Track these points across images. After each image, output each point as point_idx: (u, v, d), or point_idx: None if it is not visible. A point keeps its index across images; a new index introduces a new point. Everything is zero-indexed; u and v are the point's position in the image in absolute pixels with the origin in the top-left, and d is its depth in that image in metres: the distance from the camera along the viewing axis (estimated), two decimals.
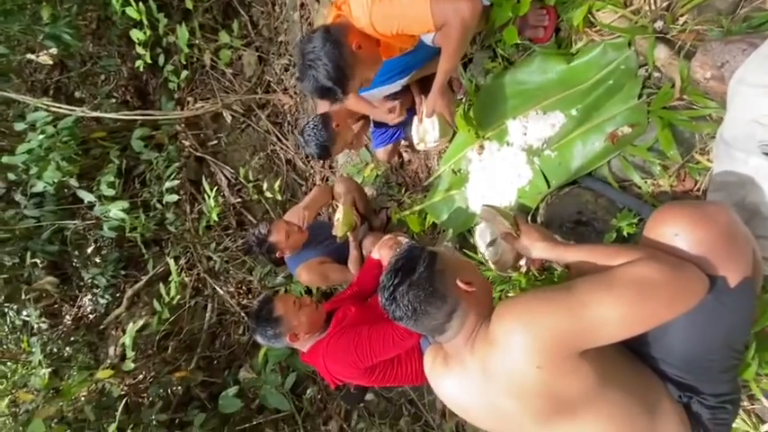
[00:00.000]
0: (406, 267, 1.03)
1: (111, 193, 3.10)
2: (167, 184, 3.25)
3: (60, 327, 3.61)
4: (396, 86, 1.96)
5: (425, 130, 1.81)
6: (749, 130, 1.04)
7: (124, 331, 2.83)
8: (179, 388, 2.89)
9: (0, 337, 3.27)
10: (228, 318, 3.31)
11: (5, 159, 2.91)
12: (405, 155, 2.58)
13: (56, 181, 2.99)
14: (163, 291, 2.85)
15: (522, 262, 1.54)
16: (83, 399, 2.68)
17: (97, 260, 3.60)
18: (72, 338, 3.49)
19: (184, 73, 3.44)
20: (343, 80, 1.43)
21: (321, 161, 3.12)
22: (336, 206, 2.24)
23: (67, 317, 3.71)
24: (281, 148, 3.43)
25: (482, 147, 1.89)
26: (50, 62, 3.57)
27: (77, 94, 3.88)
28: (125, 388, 2.79)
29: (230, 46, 3.37)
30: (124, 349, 2.66)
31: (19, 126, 2.96)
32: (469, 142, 1.92)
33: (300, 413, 2.63)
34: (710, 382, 0.98)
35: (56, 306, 3.71)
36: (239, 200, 3.53)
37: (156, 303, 2.87)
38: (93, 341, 3.53)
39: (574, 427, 0.95)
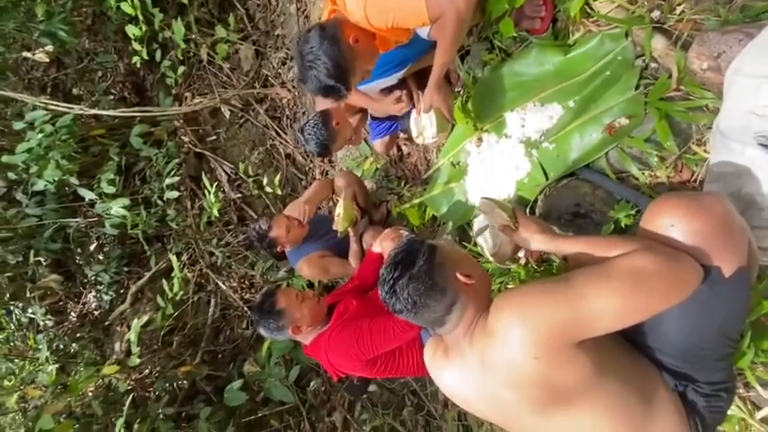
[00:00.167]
0: (406, 261, 1.04)
1: (111, 190, 3.11)
2: (167, 181, 3.26)
3: (66, 324, 3.65)
4: (392, 79, 1.95)
5: (423, 126, 1.81)
6: (745, 121, 1.05)
7: (129, 327, 2.87)
8: (185, 382, 2.93)
9: (7, 335, 3.30)
10: (232, 312, 3.34)
11: (5, 159, 2.92)
12: (404, 148, 2.58)
13: (56, 179, 3.00)
14: (166, 287, 2.88)
15: (521, 254, 1.56)
16: (90, 394, 2.72)
17: (100, 257, 3.62)
18: (78, 335, 3.54)
19: (181, 68, 3.43)
20: (345, 76, 1.43)
21: (321, 157, 3.12)
22: (337, 200, 2.25)
23: (72, 314, 3.75)
24: (281, 143, 3.43)
25: (480, 139, 1.89)
26: (47, 59, 3.55)
27: (75, 91, 3.88)
28: (131, 383, 2.83)
29: (227, 40, 3.35)
30: (129, 345, 2.70)
31: (18, 125, 2.96)
32: (468, 135, 1.92)
33: (305, 405, 2.67)
34: (705, 370, 1.00)
35: (60, 303, 3.75)
36: (239, 195, 3.54)
37: (159, 299, 2.89)
38: (99, 337, 3.57)
39: (571, 417, 0.97)
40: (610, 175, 1.49)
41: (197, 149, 3.63)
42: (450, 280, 1.03)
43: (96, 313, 3.74)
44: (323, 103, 2.05)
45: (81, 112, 3.10)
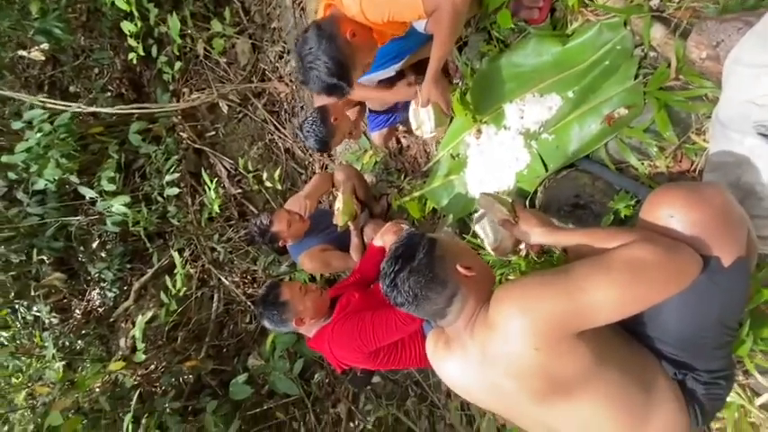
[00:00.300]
0: (406, 254, 1.05)
1: (112, 188, 3.12)
2: (167, 177, 3.26)
3: (71, 321, 3.68)
4: (390, 72, 1.94)
5: (422, 121, 1.81)
6: (744, 111, 1.04)
7: (133, 323, 2.89)
8: (190, 377, 2.96)
9: (13, 333, 3.33)
10: (235, 307, 3.36)
11: (5, 159, 2.93)
12: (403, 140, 2.57)
13: (56, 178, 3.01)
14: (169, 283, 2.89)
15: (522, 246, 1.56)
16: (97, 390, 2.75)
17: (103, 255, 3.64)
18: (83, 332, 3.57)
19: (178, 64, 3.41)
20: (346, 73, 1.43)
21: (321, 153, 3.12)
22: (336, 194, 2.26)
23: (77, 311, 3.78)
24: (280, 137, 3.42)
25: (480, 131, 1.88)
26: (42, 57, 3.54)
27: (72, 89, 3.86)
28: (138, 378, 2.86)
29: (223, 34, 3.33)
30: (134, 341, 2.72)
31: (16, 125, 2.96)
32: (467, 127, 1.92)
33: (309, 397, 2.70)
34: (705, 358, 1.01)
35: (65, 301, 3.78)
36: (240, 190, 3.54)
37: (162, 295, 2.92)
38: (104, 334, 3.60)
39: (571, 406, 0.98)
40: (609, 166, 1.49)
41: (196, 145, 3.63)
42: (450, 272, 1.04)
43: (101, 310, 3.77)
44: (321, 99, 2.05)
45: (79, 109, 3.09)
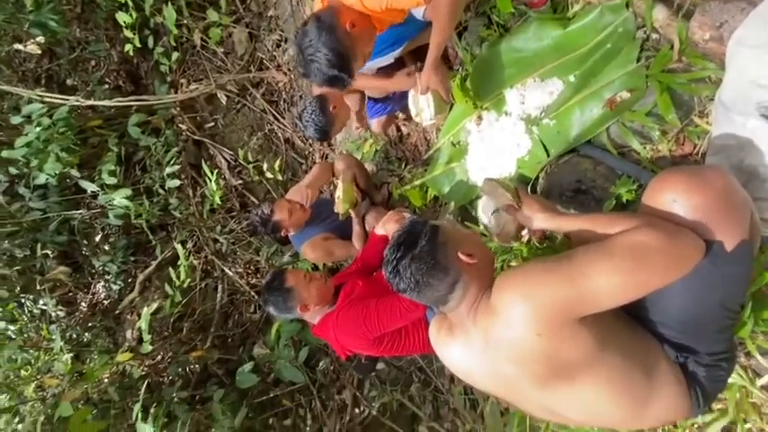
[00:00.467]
0: (409, 241, 1.05)
1: (112, 181, 3.12)
2: (168, 170, 3.26)
3: (77, 314, 3.72)
4: (388, 59, 1.93)
5: (421, 108, 1.79)
6: (748, 92, 1.03)
7: (139, 315, 2.92)
8: (197, 366, 2.99)
9: (20, 327, 3.37)
10: (239, 297, 3.39)
11: (5, 153, 2.92)
12: (403, 128, 2.56)
13: (57, 172, 3.01)
14: (173, 274, 2.91)
15: (524, 233, 1.56)
16: (106, 381, 2.79)
17: (106, 248, 3.66)
18: (89, 324, 3.60)
19: (175, 55, 3.38)
20: (347, 64, 1.41)
21: (321, 142, 3.11)
22: (337, 183, 2.25)
23: (83, 304, 3.81)
24: (279, 127, 3.41)
25: (480, 117, 1.87)
26: (39, 51, 3.51)
27: (69, 82, 3.84)
28: (145, 369, 2.90)
29: (219, 24, 3.29)
30: (141, 332, 2.75)
31: (15, 119, 2.95)
32: (467, 113, 1.91)
33: (315, 384, 2.73)
34: (706, 341, 1.02)
35: (70, 294, 3.81)
36: (240, 181, 3.54)
37: (167, 287, 2.94)
38: (111, 326, 3.64)
39: (573, 390, 0.99)
40: (611, 151, 1.49)
41: (195, 137, 3.62)
42: (452, 259, 1.04)
43: (106, 303, 3.81)
44: (320, 88, 2.03)
45: (77, 103, 3.08)
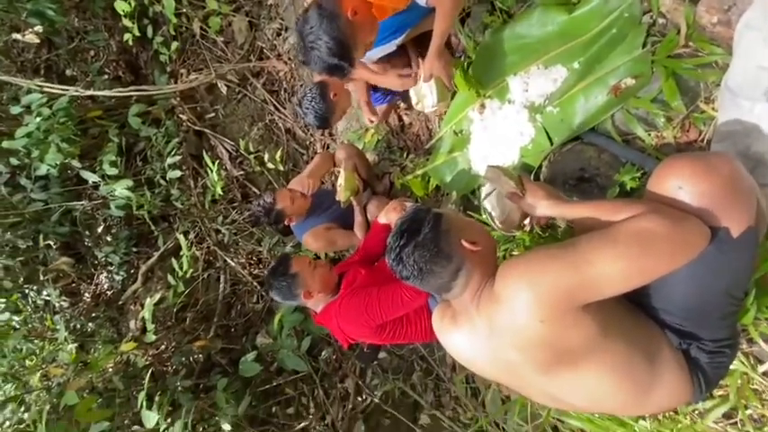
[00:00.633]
0: (412, 229, 1.05)
1: (114, 172, 3.12)
2: (169, 160, 3.25)
3: (81, 304, 3.74)
4: (391, 47, 1.91)
5: (423, 95, 1.78)
6: (755, 77, 1.02)
7: (142, 305, 2.93)
8: (200, 356, 3.01)
9: (24, 317, 3.39)
10: (242, 288, 3.40)
11: (6, 144, 2.92)
12: (405, 117, 2.54)
13: (58, 163, 3.01)
14: (175, 265, 2.92)
15: (527, 221, 1.56)
16: (110, 370, 2.82)
17: (108, 239, 3.67)
18: (93, 315, 3.63)
19: (174, 44, 3.36)
20: (347, 52, 1.40)
21: (321, 130, 3.09)
22: (338, 173, 2.25)
23: (86, 294, 3.83)
24: (280, 117, 3.39)
25: (483, 106, 1.85)
26: (37, 41, 3.49)
27: (68, 73, 3.82)
28: (149, 358, 2.92)
29: (219, 12, 3.25)
30: (144, 322, 2.77)
31: (15, 109, 2.94)
32: (470, 102, 1.89)
33: (317, 373, 2.75)
34: (709, 328, 1.02)
35: (74, 285, 3.83)
36: (242, 172, 3.53)
37: (170, 277, 2.95)
38: (114, 316, 3.67)
39: (576, 376, 1.00)
40: (615, 138, 1.47)
41: (196, 127, 3.60)
42: (455, 247, 1.04)
43: (109, 293, 3.83)
44: (321, 75, 2.01)
45: (77, 93, 3.06)
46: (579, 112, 1.54)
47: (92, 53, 3.81)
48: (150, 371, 2.50)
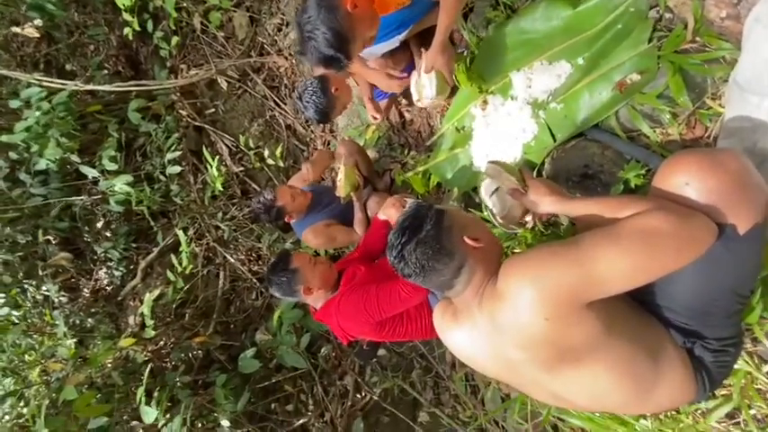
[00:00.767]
0: (414, 225, 1.04)
1: (113, 167, 3.10)
2: (169, 156, 3.23)
3: (80, 300, 3.73)
4: (394, 42, 1.89)
5: (422, 85, 1.76)
6: (764, 72, 1.00)
7: (141, 301, 2.92)
8: (199, 352, 3.01)
9: (24, 312, 3.38)
10: (241, 284, 3.39)
11: (5, 138, 2.90)
12: (406, 114, 2.52)
13: (57, 158, 2.99)
14: (175, 261, 2.91)
15: (528, 218, 1.55)
16: (109, 365, 2.81)
17: (108, 234, 3.65)
18: (92, 310, 3.62)
19: (175, 39, 3.34)
20: (345, 45, 1.38)
21: (322, 125, 3.07)
22: (338, 168, 2.23)
23: (85, 290, 3.82)
24: (280, 113, 3.37)
25: (485, 102, 1.84)
26: (37, 35, 3.47)
27: (68, 67, 3.79)
28: (148, 354, 2.92)
29: (219, 7, 3.23)
30: (143, 318, 2.76)
31: (14, 103, 2.92)
32: (472, 98, 1.87)
33: (317, 370, 2.75)
34: (714, 327, 1.00)
35: (73, 280, 3.82)
36: (242, 168, 3.52)
37: (169, 273, 2.94)
38: (113, 312, 3.66)
39: (579, 374, 0.98)
40: (620, 135, 1.46)
41: (196, 123, 3.58)
42: (457, 243, 1.03)
43: (108, 289, 3.82)
44: (321, 68, 2.00)
45: (76, 88, 3.05)
46: (583, 109, 1.53)
47: (92, 48, 3.79)
48: (149, 366, 2.50)
